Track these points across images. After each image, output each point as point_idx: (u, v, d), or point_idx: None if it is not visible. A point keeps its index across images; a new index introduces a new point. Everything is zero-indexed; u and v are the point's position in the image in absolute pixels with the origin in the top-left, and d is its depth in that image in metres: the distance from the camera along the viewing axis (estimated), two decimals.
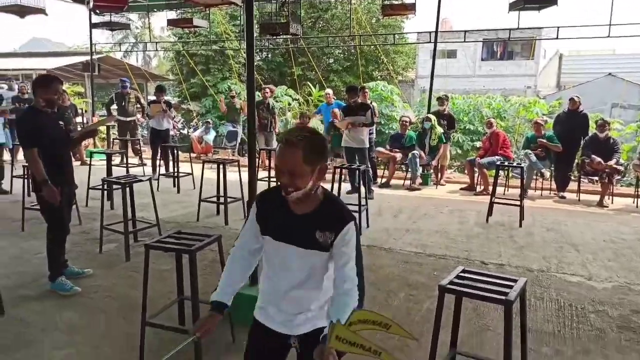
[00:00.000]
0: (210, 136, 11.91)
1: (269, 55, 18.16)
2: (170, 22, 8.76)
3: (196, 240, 2.86)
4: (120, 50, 20.51)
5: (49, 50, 23.91)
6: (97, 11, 8.08)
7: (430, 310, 3.53)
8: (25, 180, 5.78)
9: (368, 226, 5.69)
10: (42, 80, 3.73)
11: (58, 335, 3.11)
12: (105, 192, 5.48)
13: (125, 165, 7.60)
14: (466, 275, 2.31)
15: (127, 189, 4.56)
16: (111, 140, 9.91)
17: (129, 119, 9.99)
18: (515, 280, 2.22)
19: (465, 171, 9.23)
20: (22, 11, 7.47)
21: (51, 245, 3.76)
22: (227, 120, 11.50)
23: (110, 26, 8.24)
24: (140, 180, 4.73)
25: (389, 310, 3.52)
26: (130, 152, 9.62)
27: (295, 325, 1.78)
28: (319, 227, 1.67)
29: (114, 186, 5.69)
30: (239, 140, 11.24)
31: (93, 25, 9.04)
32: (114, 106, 9.99)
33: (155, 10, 10.10)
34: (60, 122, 3.79)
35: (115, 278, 4.08)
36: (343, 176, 6.28)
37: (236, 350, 2.96)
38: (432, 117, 8.44)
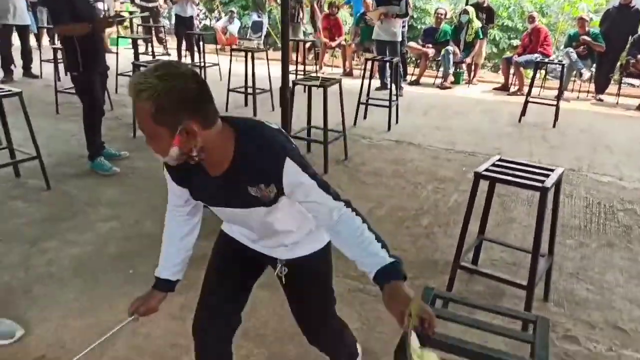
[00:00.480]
0: (235, 27, 11.48)
1: None
2: None
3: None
4: None
5: None
6: None
7: (458, 202, 3.60)
8: (57, 64, 5.78)
9: (397, 122, 5.62)
10: None
11: (102, 209, 3.29)
12: None
13: (151, 54, 7.48)
14: (502, 164, 2.30)
15: None
16: (135, 27, 9.67)
17: (151, 4, 9.65)
18: (552, 170, 2.20)
19: (500, 70, 8.86)
20: None
21: (88, 127, 3.84)
22: (251, 10, 11.01)
23: None
24: None
25: (417, 201, 3.60)
26: (154, 42, 9.44)
27: (276, 253, 1.52)
28: (248, 183, 1.29)
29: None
30: (264, 31, 10.84)
31: None
32: None
33: None
34: (90, 1, 3.66)
35: (151, 160, 4.20)
36: (373, 72, 6.09)
37: None
38: (471, 9, 7.92)
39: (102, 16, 3.65)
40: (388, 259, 1.23)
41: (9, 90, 3.31)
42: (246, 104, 6.12)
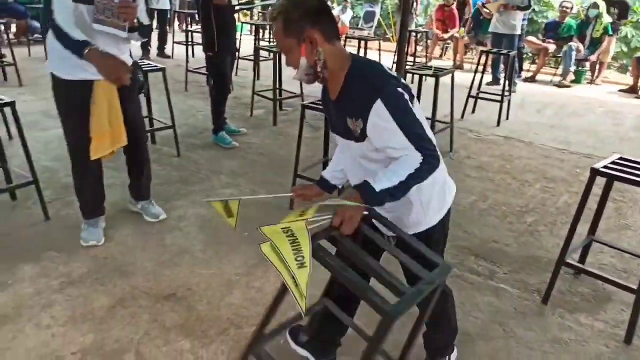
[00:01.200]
0: (347, 16, 11.69)
1: None
2: None
3: None
4: None
5: None
6: None
7: (568, 204, 3.48)
8: (188, 47, 6.39)
9: (507, 118, 5.46)
10: None
11: (223, 178, 3.66)
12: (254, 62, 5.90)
13: (268, 39, 7.92)
14: (623, 162, 2.22)
15: (277, 59, 4.84)
16: (254, 13, 10.25)
17: None
18: None
19: (629, 71, 8.14)
20: None
21: (215, 104, 4.25)
22: (364, 0, 11.13)
23: None
24: None
25: (523, 199, 3.53)
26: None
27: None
28: (346, 112, 1.43)
29: (263, 57, 6.06)
30: (375, 22, 10.92)
31: None
32: None
33: None
34: None
35: (265, 138, 4.55)
36: (486, 66, 5.93)
37: None
38: (601, 3, 7.34)
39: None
40: (377, 186, 1.36)
41: (155, 66, 3.78)
42: None
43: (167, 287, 2.39)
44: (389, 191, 1.36)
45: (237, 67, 6.89)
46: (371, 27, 10.85)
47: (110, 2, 2.25)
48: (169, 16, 9.57)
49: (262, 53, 6.16)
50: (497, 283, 2.55)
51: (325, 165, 3.49)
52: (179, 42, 7.51)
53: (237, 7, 4.63)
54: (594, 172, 2.15)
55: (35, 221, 2.89)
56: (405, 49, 7.61)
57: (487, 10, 7.57)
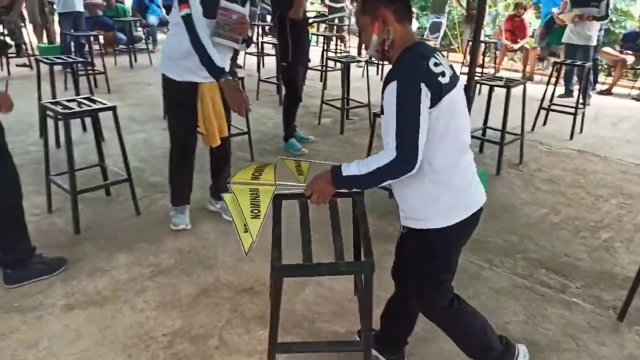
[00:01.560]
0: (413, 27, 11.71)
1: None
2: None
3: None
4: None
5: None
6: None
7: None
8: (259, 58, 6.69)
9: (581, 131, 5.29)
10: None
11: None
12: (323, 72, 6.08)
13: (334, 51, 8.11)
14: None
15: (345, 69, 4.99)
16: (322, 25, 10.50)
17: (339, 4, 10.37)
18: None
19: None
20: None
21: (287, 112, 4.45)
22: (430, 11, 11.11)
23: None
24: (359, 61, 5.13)
25: (597, 214, 3.44)
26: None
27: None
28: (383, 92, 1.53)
29: (330, 67, 6.24)
30: (442, 33, 10.87)
31: None
32: None
33: None
34: None
35: (332, 146, 4.69)
36: (559, 77, 5.78)
37: None
38: None
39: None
40: (345, 172, 1.53)
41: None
42: None
43: (246, 281, 2.56)
44: (355, 178, 1.51)
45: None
46: (437, 37, 10.80)
47: (229, 19, 2.60)
48: None
49: (330, 63, 6.34)
50: (569, 297, 2.52)
51: None
52: (250, 53, 7.88)
53: (311, 21, 4.84)
54: None
55: (127, 215, 3.18)
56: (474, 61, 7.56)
57: (560, 21, 7.35)
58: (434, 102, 1.44)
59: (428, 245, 1.66)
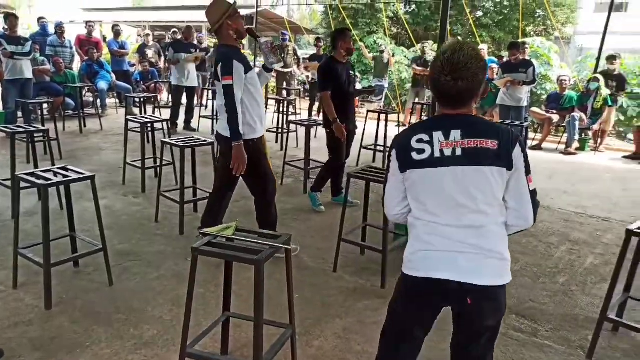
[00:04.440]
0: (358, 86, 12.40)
1: (417, 9, 17.83)
2: None
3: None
4: (280, 5, 21.71)
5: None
6: None
7: (595, 264, 3.67)
8: (213, 121, 6.81)
9: None
10: (342, 32, 4.51)
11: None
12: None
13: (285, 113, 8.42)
14: None
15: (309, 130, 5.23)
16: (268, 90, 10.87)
17: (286, 70, 10.84)
18: None
19: (629, 139, 8.57)
20: None
21: (326, 171, 4.68)
22: (374, 76, 11.84)
23: None
24: (317, 125, 5.39)
25: (551, 260, 3.73)
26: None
27: None
28: None
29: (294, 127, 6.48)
30: (384, 95, 11.57)
31: None
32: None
33: None
34: (351, 72, 4.56)
35: (297, 205, 4.81)
36: None
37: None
38: (600, 77, 7.90)
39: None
40: None
41: (205, 140, 4.12)
42: (374, 160, 6.64)
43: (233, 345, 2.54)
44: None
45: None
46: (380, 99, 11.49)
47: (267, 47, 3.41)
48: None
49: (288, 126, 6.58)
50: (541, 340, 2.70)
51: (364, 230, 3.73)
52: (205, 116, 8.02)
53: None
54: (630, 234, 2.38)
55: (99, 286, 3.09)
56: (419, 119, 8.11)
57: (494, 86, 8.11)
58: (402, 169, 1.67)
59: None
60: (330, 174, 4.70)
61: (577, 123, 7.81)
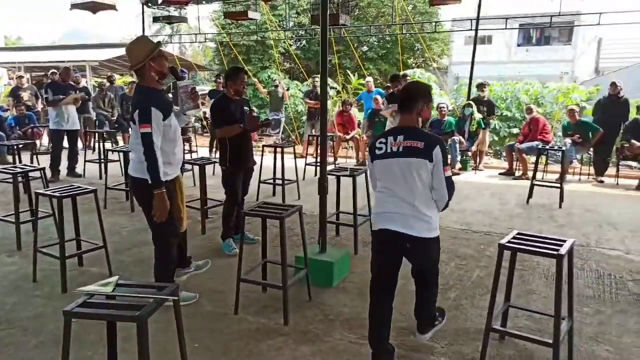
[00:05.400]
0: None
1: (307, 44, 18.54)
2: (227, 15, 9.29)
3: (281, 209, 3.34)
4: (172, 42, 21.29)
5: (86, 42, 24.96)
6: (154, 5, 8.61)
7: (481, 277, 3.95)
8: (101, 165, 6.41)
9: None
10: (232, 72, 4.45)
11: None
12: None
13: (188, 150, 8.20)
14: (521, 237, 2.71)
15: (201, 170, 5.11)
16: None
17: None
18: (564, 241, 2.61)
19: (504, 157, 9.50)
20: (95, 7, 8.21)
21: (224, 213, 4.52)
22: (270, 110, 11.99)
23: (170, 20, 8.76)
24: (212, 162, 5.29)
25: (442, 277, 3.93)
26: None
27: None
28: None
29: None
30: (281, 128, 11.74)
31: (154, 19, 9.68)
32: (170, 95, 10.64)
33: (204, 2, 10.62)
34: (246, 108, 4.49)
35: (195, 247, 4.63)
36: None
37: (310, 307, 3.44)
38: (473, 103, 8.72)
39: (251, 117, 4.50)
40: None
41: (86, 188, 3.84)
42: (274, 194, 6.65)
43: None
44: None
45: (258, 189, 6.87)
46: (278, 132, 11.63)
47: (186, 92, 3.37)
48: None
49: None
50: (437, 357, 2.82)
51: (264, 267, 3.68)
52: (90, 161, 7.52)
53: (260, 123, 5.27)
54: (502, 247, 2.60)
55: None
56: (315, 151, 8.31)
57: (381, 116, 8.60)
58: (372, 160, 2.70)
59: None
60: (230, 214, 4.60)
61: (457, 146, 8.51)
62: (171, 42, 32.17)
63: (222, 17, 11.39)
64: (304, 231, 3.47)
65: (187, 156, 7.83)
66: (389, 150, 2.57)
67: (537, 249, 2.53)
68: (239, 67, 4.78)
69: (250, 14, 7.95)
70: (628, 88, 11.03)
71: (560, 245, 2.53)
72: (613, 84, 8.12)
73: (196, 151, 9.77)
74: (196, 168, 6.06)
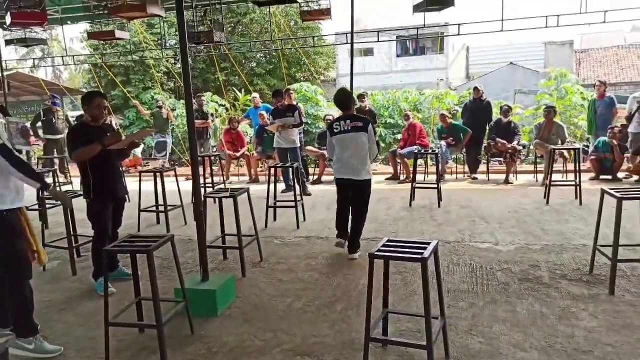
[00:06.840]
0: (138, 148, 11.75)
1: (192, 62, 18.05)
2: (91, 35, 8.65)
3: (150, 241, 3.10)
4: (34, 66, 19.45)
5: None
6: (10, 28, 7.79)
7: (366, 285, 3.99)
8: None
9: (305, 219, 6.10)
10: (86, 96, 4.12)
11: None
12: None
13: (57, 184, 7.46)
14: (390, 244, 2.77)
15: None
16: (35, 159, 9.60)
17: (57, 136, 9.72)
18: (428, 244, 2.71)
19: (389, 162, 9.93)
20: (26, 42, 8.37)
21: (94, 251, 4.13)
22: (156, 132, 11.41)
23: (26, 42, 7.97)
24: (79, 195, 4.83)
25: (330, 290, 3.96)
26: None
27: None
28: None
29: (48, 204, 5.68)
30: (168, 150, 11.23)
31: (7, 42, 8.73)
32: (39, 124, 9.70)
33: (69, 22, 9.86)
34: (108, 134, 4.01)
35: (65, 292, 4.19)
36: (277, 177, 6.63)
37: (193, 342, 3.24)
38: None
39: (113, 133, 4.09)
40: None
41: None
42: (158, 222, 6.28)
43: None
44: None
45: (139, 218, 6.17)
46: (164, 155, 11.10)
47: (17, 128, 3.20)
48: None
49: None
50: None
51: (139, 305, 3.40)
52: None
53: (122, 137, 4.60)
54: (372, 257, 2.64)
55: None
56: (203, 171, 8.01)
57: (268, 131, 8.55)
58: (331, 136, 4.68)
59: None
60: (100, 250, 4.18)
61: None
62: (43, 66, 29.69)
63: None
64: (177, 261, 3.26)
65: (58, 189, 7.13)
66: (342, 129, 4.55)
67: (403, 255, 2.60)
68: (94, 91, 4.47)
69: (118, 34, 7.47)
70: (494, 89, 12.15)
71: (424, 248, 2.62)
72: (476, 89, 8.88)
73: (71, 182, 9.01)
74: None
